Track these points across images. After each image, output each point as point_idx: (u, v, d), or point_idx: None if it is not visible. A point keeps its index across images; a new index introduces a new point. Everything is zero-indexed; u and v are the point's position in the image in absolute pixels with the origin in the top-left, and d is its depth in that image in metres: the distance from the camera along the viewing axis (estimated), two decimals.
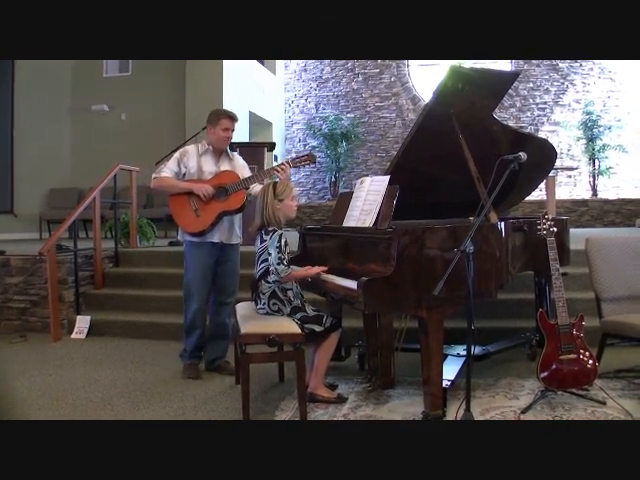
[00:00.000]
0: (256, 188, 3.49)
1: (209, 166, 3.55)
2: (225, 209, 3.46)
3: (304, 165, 3.61)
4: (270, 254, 2.89)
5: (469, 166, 2.98)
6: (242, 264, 3.71)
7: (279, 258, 2.85)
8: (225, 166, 3.59)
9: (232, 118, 3.56)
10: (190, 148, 3.62)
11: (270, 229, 2.94)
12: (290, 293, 2.98)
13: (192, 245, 3.55)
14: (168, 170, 3.52)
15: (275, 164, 3.51)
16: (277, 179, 3.31)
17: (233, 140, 3.73)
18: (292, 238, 3.88)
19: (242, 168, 3.64)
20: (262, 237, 2.99)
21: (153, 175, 3.57)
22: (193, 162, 3.54)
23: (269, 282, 2.96)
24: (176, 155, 3.59)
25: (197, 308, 3.56)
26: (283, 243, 2.89)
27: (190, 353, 3.63)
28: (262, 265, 2.99)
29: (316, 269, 2.98)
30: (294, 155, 11.19)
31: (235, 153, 3.77)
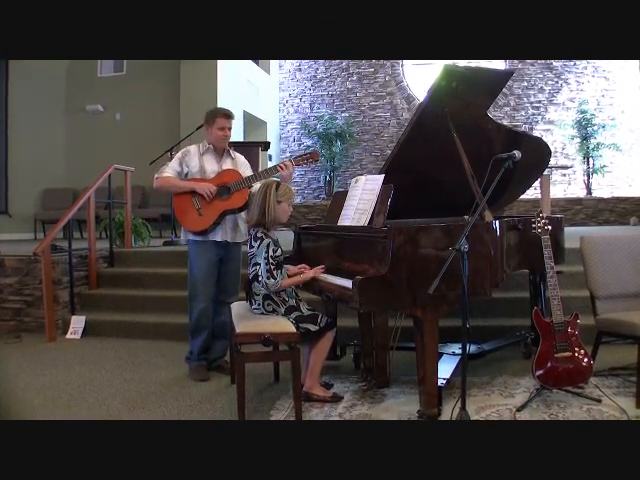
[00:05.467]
0: (257, 186, 3.48)
1: (211, 165, 3.56)
2: (228, 208, 3.47)
3: (308, 164, 3.62)
4: (259, 264, 2.89)
5: (464, 165, 2.98)
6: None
7: (267, 271, 2.84)
8: (227, 165, 3.59)
9: (228, 116, 3.55)
10: (192, 148, 3.62)
11: (259, 235, 2.92)
12: (284, 294, 2.98)
13: (196, 244, 3.54)
14: (170, 170, 3.53)
15: (270, 164, 3.49)
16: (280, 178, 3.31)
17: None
18: (287, 237, 3.89)
19: (244, 166, 3.65)
20: (251, 242, 2.98)
21: (155, 175, 3.57)
22: (195, 162, 3.55)
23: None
24: (178, 155, 3.61)
25: (204, 307, 3.53)
26: (271, 253, 2.87)
27: (197, 355, 3.59)
28: (254, 268, 2.98)
29: (311, 272, 2.97)
30: (291, 154, 11.21)
31: (237, 152, 3.75)
